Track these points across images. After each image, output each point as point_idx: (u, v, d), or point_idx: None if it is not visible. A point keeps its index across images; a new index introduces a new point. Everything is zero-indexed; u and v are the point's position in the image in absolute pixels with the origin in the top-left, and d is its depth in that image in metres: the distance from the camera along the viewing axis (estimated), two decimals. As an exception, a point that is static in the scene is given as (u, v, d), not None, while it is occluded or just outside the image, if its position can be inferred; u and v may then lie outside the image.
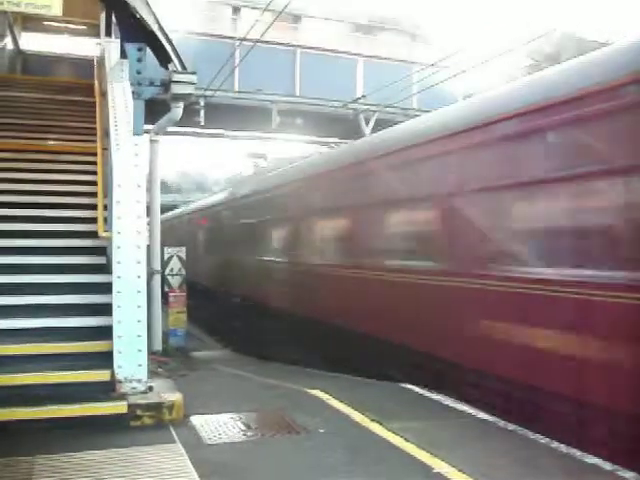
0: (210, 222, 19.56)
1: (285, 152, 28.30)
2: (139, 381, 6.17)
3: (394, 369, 8.12)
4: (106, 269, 7.14)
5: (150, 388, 6.26)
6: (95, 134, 8.80)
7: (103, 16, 11.87)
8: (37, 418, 5.54)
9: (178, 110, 8.75)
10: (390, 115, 17.29)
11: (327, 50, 18.86)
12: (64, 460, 4.84)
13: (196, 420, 6.05)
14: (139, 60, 6.91)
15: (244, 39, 13.77)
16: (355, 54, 19.16)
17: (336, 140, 20.48)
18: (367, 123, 17.43)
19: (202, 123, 16.41)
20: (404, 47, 20.23)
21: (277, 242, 13.63)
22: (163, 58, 7.57)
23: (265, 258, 13.68)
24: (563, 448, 5.10)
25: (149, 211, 10.09)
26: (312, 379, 8.40)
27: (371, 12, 19.68)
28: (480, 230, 6.80)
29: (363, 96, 17.28)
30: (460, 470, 4.63)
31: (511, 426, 5.74)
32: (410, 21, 19.99)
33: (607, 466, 4.69)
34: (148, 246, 9.36)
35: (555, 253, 5.94)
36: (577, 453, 4.97)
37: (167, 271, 12.15)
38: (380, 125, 16.66)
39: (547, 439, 5.32)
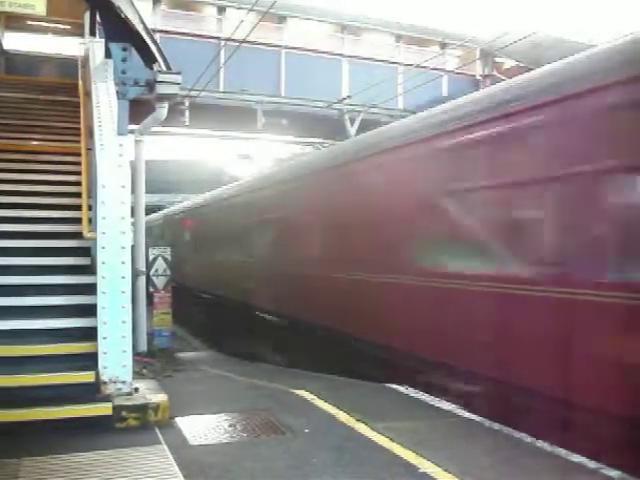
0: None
1: (273, 152, 28.26)
2: (124, 382, 6.13)
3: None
4: (91, 270, 7.10)
5: (135, 389, 6.24)
6: (79, 134, 8.74)
7: (87, 16, 11.81)
8: (22, 420, 5.50)
9: (163, 110, 8.73)
10: (375, 115, 17.33)
11: (312, 50, 18.85)
12: (50, 462, 4.81)
13: (181, 421, 6.03)
14: (124, 60, 6.88)
15: (229, 39, 13.76)
16: (340, 54, 19.18)
17: (321, 140, 20.49)
18: (352, 123, 17.45)
19: (187, 123, 16.36)
20: (389, 48, 20.25)
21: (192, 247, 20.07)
22: (148, 58, 7.55)
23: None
24: (548, 447, 5.14)
25: (134, 212, 10.05)
26: (297, 379, 8.40)
27: (356, 12, 19.68)
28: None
29: (348, 96, 17.31)
30: (446, 470, 4.64)
31: (496, 426, 5.77)
32: (395, 22, 19.99)
33: (591, 464, 4.73)
34: (133, 247, 9.32)
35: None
36: (562, 452, 5.01)
37: (152, 272, 12.11)
38: (365, 125, 16.75)
39: (532, 438, 5.36)
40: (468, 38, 18.47)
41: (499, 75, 19.40)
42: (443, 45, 19.95)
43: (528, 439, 5.36)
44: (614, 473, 4.55)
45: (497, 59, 20.34)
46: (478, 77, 20.29)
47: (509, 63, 20.15)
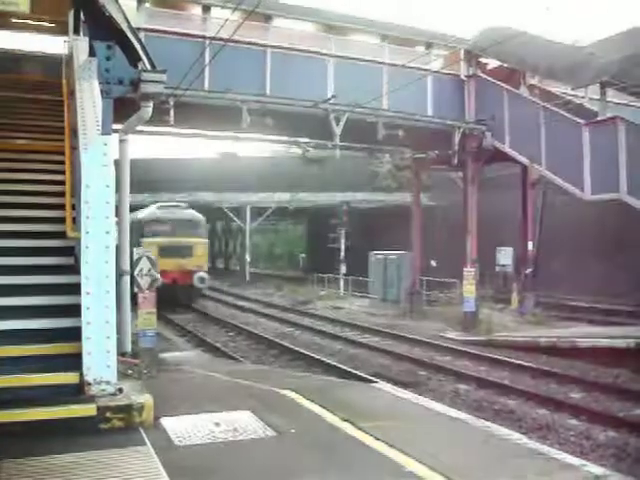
0: None
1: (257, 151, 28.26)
2: (108, 383, 6.10)
3: None
4: (75, 269, 7.05)
5: (120, 390, 6.19)
6: (63, 133, 8.67)
7: (71, 13, 11.71)
8: (4, 422, 5.44)
9: (147, 109, 8.65)
10: (360, 115, 17.34)
11: (298, 50, 18.81)
12: (32, 464, 4.77)
13: (166, 422, 6.01)
14: (108, 58, 6.83)
15: (214, 38, 13.71)
16: (326, 54, 19.16)
17: (307, 140, 20.46)
18: (338, 123, 17.44)
19: (172, 123, 16.26)
20: (374, 47, 20.24)
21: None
22: (132, 56, 7.50)
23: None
24: (532, 445, 5.17)
25: (118, 211, 9.98)
26: (283, 379, 8.40)
27: (342, 12, 19.67)
28: None
29: (333, 96, 17.29)
30: (431, 468, 4.66)
31: (481, 424, 5.80)
32: (381, 22, 19.99)
33: (575, 461, 4.76)
34: (117, 246, 9.26)
35: None
36: (545, 449, 5.04)
37: (136, 272, 12.03)
38: (351, 125, 16.75)
39: (516, 436, 5.39)
40: (453, 38, 18.54)
41: (483, 75, 19.45)
42: (428, 45, 19.97)
43: (513, 437, 5.40)
44: (598, 470, 4.59)
45: (481, 59, 20.37)
46: (463, 77, 20.33)
47: (494, 63, 20.21)
